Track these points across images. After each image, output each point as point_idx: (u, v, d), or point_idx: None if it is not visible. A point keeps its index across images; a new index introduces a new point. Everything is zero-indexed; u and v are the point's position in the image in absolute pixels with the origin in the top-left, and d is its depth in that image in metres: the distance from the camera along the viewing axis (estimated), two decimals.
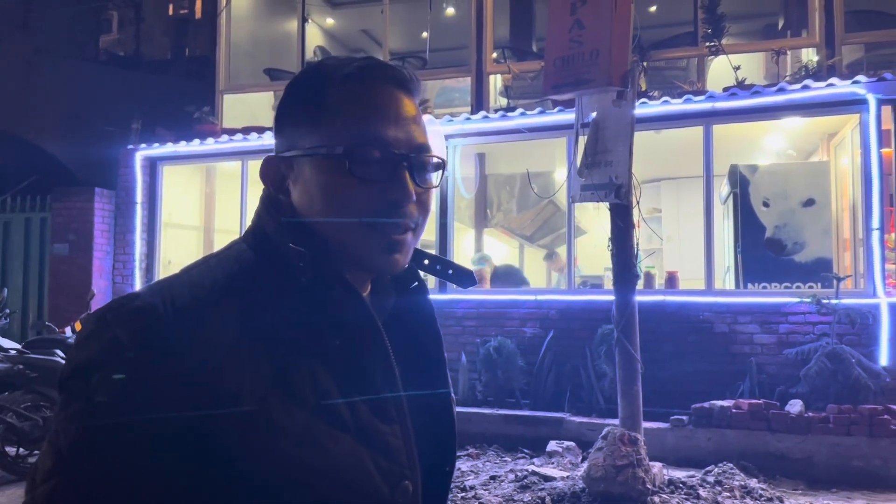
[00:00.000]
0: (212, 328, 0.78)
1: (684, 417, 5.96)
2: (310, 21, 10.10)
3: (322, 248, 0.86)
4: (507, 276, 8.46)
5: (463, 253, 9.56)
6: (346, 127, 0.86)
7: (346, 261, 0.87)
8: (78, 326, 6.32)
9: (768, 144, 8.21)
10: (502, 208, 10.39)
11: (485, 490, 5.19)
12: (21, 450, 5.55)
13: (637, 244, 5.33)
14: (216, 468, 0.75)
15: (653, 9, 9.70)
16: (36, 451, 5.62)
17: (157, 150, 9.01)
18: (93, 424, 0.73)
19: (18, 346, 5.90)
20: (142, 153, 9.08)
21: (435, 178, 0.92)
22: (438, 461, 0.96)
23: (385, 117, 0.87)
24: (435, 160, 0.91)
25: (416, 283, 0.98)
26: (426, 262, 0.99)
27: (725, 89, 6.83)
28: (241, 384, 0.76)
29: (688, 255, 8.34)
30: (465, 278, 0.99)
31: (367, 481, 0.82)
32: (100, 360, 0.75)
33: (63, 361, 5.55)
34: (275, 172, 0.90)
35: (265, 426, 0.76)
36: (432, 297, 1.00)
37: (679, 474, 5.25)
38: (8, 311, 6.57)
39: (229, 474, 0.76)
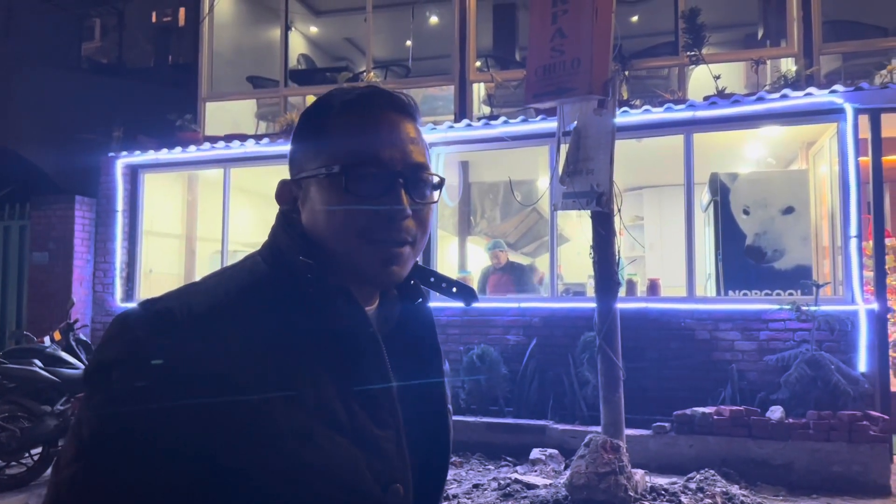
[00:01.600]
0: (223, 334, 0.85)
1: (666, 424, 5.99)
2: (293, 29, 10.11)
3: (329, 262, 0.92)
4: (522, 272, 8.45)
5: (447, 261, 9.57)
6: (345, 149, 0.92)
7: (350, 274, 0.93)
8: (57, 336, 6.24)
9: (748, 153, 8.29)
10: (486, 216, 10.41)
11: (468, 499, 5.18)
12: None
13: (619, 252, 5.36)
14: (223, 462, 0.81)
15: (634, 18, 9.79)
16: (14, 463, 5.54)
17: (138, 157, 8.95)
18: (112, 415, 0.81)
19: None
20: (123, 161, 9.02)
21: (434, 194, 0.98)
22: (432, 467, 1.02)
23: (380, 138, 0.93)
24: (434, 178, 0.97)
25: (421, 300, 1.04)
26: (431, 279, 1.05)
27: (706, 98, 6.90)
28: (246, 386, 0.82)
29: (669, 262, 8.40)
30: (467, 296, 1.06)
31: (360, 482, 0.87)
32: (121, 358, 0.83)
33: (42, 371, 5.50)
34: (287, 194, 0.98)
35: (268, 426, 0.82)
36: None
37: (661, 481, 5.26)
38: None
39: (235, 467, 0.82)
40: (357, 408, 0.89)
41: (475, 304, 7.11)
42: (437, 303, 6.63)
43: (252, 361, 0.84)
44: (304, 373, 0.87)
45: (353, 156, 0.92)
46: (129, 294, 8.94)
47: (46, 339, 6.26)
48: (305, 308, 0.90)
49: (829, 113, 6.59)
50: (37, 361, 5.64)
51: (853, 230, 6.38)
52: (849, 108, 6.44)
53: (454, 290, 1.06)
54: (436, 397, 1.03)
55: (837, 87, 6.46)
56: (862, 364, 6.15)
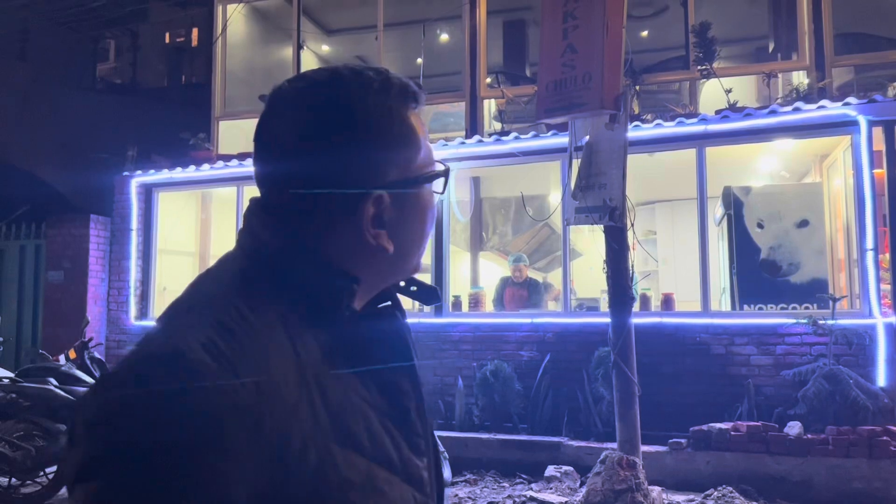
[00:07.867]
0: (270, 380, 0.69)
1: (683, 440, 5.93)
2: (305, 48, 10.18)
3: (362, 278, 0.82)
4: (538, 289, 8.43)
5: (459, 276, 9.55)
6: (426, 148, 0.87)
7: (390, 280, 0.88)
8: (72, 354, 6.27)
9: (761, 166, 8.26)
10: (497, 231, 10.40)
11: None
12: (13, 480, 5.49)
13: (632, 266, 5.33)
14: None
15: (644, 33, 9.81)
16: (29, 482, 5.55)
17: (152, 176, 9.03)
18: None
19: (11, 375, 5.85)
20: (137, 180, 9.10)
21: None
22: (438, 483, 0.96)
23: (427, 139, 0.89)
24: None
25: (390, 302, 0.93)
26: None
27: (717, 112, 6.88)
28: (305, 439, 0.70)
29: (683, 276, 8.35)
30: (429, 296, 0.94)
31: None
32: (146, 443, 0.61)
33: (58, 390, 5.51)
34: (369, 210, 0.81)
35: (333, 480, 0.71)
36: (429, 321, 0.99)
37: (678, 498, 5.20)
38: (1, 339, 6.53)
39: None
40: (400, 439, 0.81)
41: (487, 320, 6.95)
42: (449, 318, 6.59)
43: (305, 408, 0.71)
44: (354, 409, 0.76)
45: (430, 161, 0.87)
46: (143, 312, 8.98)
47: (62, 358, 6.29)
48: (340, 336, 0.79)
49: (842, 125, 6.56)
50: (52, 380, 5.66)
51: (869, 243, 6.32)
52: (862, 121, 6.41)
53: (413, 288, 0.93)
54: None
55: (851, 99, 6.43)
56: (881, 378, 6.07)
